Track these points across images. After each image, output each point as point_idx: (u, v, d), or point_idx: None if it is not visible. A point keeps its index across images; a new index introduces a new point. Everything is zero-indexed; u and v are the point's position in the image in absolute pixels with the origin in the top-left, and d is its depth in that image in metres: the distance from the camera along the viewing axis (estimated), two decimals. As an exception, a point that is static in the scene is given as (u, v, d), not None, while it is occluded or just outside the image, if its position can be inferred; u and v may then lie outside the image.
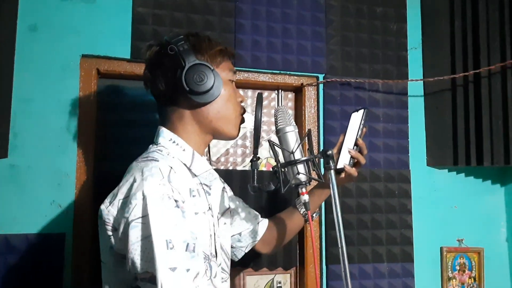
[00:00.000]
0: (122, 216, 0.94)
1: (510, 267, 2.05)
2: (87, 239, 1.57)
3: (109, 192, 1.02)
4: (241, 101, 1.19)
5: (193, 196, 1.04)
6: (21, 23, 1.59)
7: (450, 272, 1.98)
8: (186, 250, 0.93)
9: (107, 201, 0.99)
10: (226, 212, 1.23)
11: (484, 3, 1.93)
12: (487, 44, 1.91)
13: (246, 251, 1.39)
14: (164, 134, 1.10)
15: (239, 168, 1.88)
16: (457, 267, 1.99)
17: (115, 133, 1.71)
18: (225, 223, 1.22)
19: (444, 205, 2.02)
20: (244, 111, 1.20)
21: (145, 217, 0.91)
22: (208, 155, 1.25)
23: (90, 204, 1.59)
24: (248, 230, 1.37)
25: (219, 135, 1.15)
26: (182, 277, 0.90)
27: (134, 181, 0.95)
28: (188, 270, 0.92)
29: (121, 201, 0.96)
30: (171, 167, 1.00)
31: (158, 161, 1.00)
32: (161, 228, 0.91)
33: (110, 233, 0.97)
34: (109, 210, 0.97)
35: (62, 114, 1.60)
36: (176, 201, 0.95)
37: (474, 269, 2.00)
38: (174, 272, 0.89)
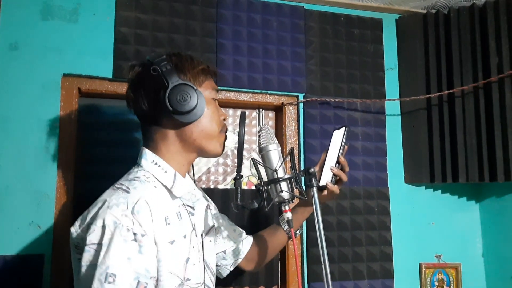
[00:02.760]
0: (85, 237, 0.94)
1: (487, 282, 2.09)
2: (67, 260, 1.52)
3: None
4: (224, 119, 1.20)
5: (169, 224, 1.03)
6: (2, 42, 1.59)
7: (429, 288, 2.01)
8: (136, 287, 0.92)
9: (77, 224, 0.99)
10: (211, 230, 1.24)
11: (456, 26, 2.01)
12: (459, 65, 1.98)
13: (231, 269, 1.39)
14: (147, 156, 1.10)
15: (220, 186, 1.89)
16: (436, 283, 2.02)
17: (95, 153, 1.70)
18: (210, 241, 1.22)
19: (422, 222, 2.05)
20: (227, 129, 1.21)
21: (98, 245, 0.92)
22: (192, 173, 1.25)
23: (70, 225, 1.52)
24: (233, 247, 1.37)
25: (203, 153, 1.16)
26: None
27: (100, 207, 0.96)
28: None
29: (86, 224, 0.96)
30: (140, 198, 0.99)
31: (129, 192, 1.00)
32: (108, 260, 0.90)
33: (79, 256, 0.96)
34: (78, 233, 0.98)
35: (42, 133, 1.59)
36: (135, 234, 0.94)
37: (452, 284, 2.04)
38: None
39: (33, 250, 1.53)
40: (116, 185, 1.04)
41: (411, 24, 2.11)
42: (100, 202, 0.98)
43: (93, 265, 0.91)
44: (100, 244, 0.91)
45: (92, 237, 0.92)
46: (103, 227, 0.92)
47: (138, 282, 0.92)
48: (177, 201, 1.09)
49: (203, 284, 1.12)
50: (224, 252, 1.36)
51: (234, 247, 1.37)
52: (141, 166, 1.10)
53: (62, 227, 1.55)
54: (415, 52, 2.08)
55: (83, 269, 0.92)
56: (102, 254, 0.90)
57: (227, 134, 1.23)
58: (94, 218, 0.94)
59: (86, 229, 0.95)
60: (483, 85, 1.94)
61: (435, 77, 2.03)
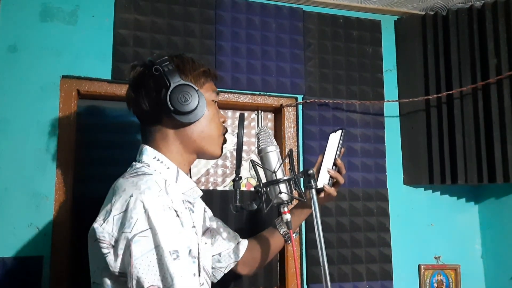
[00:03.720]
0: (121, 232, 0.92)
1: (486, 284, 2.09)
2: (66, 262, 1.55)
3: (88, 214, 1.02)
4: (223, 121, 1.21)
5: (186, 208, 1.06)
6: (1, 43, 1.59)
7: (428, 289, 2.01)
8: (189, 255, 0.96)
9: (100, 219, 0.97)
10: (206, 232, 1.24)
11: (454, 28, 2.01)
12: (458, 66, 1.99)
13: (225, 272, 1.38)
14: (148, 152, 1.10)
15: (219, 188, 1.89)
16: (435, 284, 2.02)
17: (95, 155, 1.70)
18: (206, 243, 1.22)
19: (421, 223, 2.06)
20: (226, 131, 1.22)
21: (149, 230, 0.92)
22: (189, 175, 1.25)
23: (69, 226, 1.57)
24: (228, 250, 1.36)
25: (202, 154, 1.16)
26: (192, 282, 0.95)
27: (131, 195, 0.95)
28: (194, 274, 0.97)
29: (117, 216, 0.94)
30: (166, 180, 1.03)
31: (152, 175, 1.02)
32: (168, 239, 0.92)
33: (106, 251, 0.94)
34: (103, 227, 0.95)
35: (41, 135, 1.59)
36: (176, 211, 0.97)
37: (451, 286, 2.04)
38: (185, 279, 0.92)
39: (32, 252, 1.52)
40: (129, 176, 1.03)
41: (410, 26, 2.11)
42: (124, 193, 0.97)
43: (154, 249, 0.91)
44: (151, 228, 0.92)
45: (139, 226, 0.92)
46: (145, 211, 0.92)
47: (190, 250, 0.97)
48: (180, 197, 1.09)
49: (202, 285, 1.12)
50: (220, 254, 1.36)
51: (229, 250, 1.37)
52: (143, 162, 1.09)
53: (61, 229, 1.55)
54: (414, 54, 2.08)
55: (139, 260, 0.90)
56: (158, 235, 0.91)
57: (226, 134, 1.23)
58: (127, 208, 0.93)
59: (122, 221, 0.93)
60: (481, 87, 1.94)
61: (434, 78, 2.03)
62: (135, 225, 0.92)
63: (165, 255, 0.91)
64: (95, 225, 0.97)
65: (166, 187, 1.01)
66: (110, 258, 0.94)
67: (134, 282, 0.91)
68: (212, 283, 1.31)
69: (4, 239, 1.50)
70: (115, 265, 0.94)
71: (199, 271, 1.05)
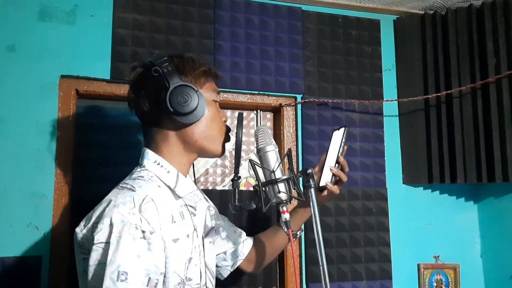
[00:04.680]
0: (91, 238, 0.94)
1: (485, 283, 2.09)
2: (65, 262, 1.54)
3: (87, 214, 1.02)
4: (225, 121, 1.21)
5: (174, 222, 1.04)
6: (-1, 43, 1.59)
7: (427, 288, 2.01)
8: (147, 285, 0.92)
9: (82, 224, 1.00)
10: (210, 231, 1.24)
11: (453, 27, 2.01)
12: (457, 66, 1.99)
13: (232, 270, 1.39)
14: (149, 156, 1.11)
15: (218, 188, 1.89)
16: (434, 284, 2.02)
17: (93, 155, 1.70)
18: (210, 242, 1.22)
19: (420, 222, 2.06)
20: (229, 130, 1.22)
21: (106, 243, 0.91)
22: (192, 173, 1.26)
23: (68, 227, 1.57)
24: (233, 249, 1.37)
25: (204, 153, 1.17)
26: None
27: (107, 205, 0.96)
28: None
29: (93, 224, 0.96)
30: (146, 196, 1.00)
31: (134, 190, 1.00)
32: (118, 258, 0.90)
33: (84, 256, 0.97)
34: (83, 233, 0.98)
35: (40, 135, 1.58)
36: (143, 232, 0.94)
37: (450, 285, 2.04)
38: None
39: (31, 252, 1.52)
40: (121, 185, 1.04)
41: (409, 25, 2.11)
42: (106, 202, 0.98)
43: (102, 264, 0.90)
44: (108, 243, 0.91)
45: (100, 236, 0.92)
46: (111, 225, 0.92)
47: (149, 279, 0.93)
48: (179, 201, 1.10)
49: (204, 286, 1.12)
50: (225, 253, 1.36)
51: (235, 248, 1.37)
52: (144, 166, 1.10)
53: (60, 229, 1.55)
54: (413, 53, 2.08)
55: (92, 268, 0.92)
56: (111, 252, 0.90)
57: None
58: (100, 217, 0.94)
59: (92, 228, 0.95)
60: (480, 86, 1.94)
61: (433, 78, 2.03)
62: (98, 234, 0.92)
63: (108, 273, 0.89)
64: (77, 229, 0.99)
65: (142, 204, 0.97)
66: (86, 264, 0.95)
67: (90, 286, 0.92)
68: (218, 280, 1.32)
69: (3, 239, 1.50)
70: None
71: (182, 284, 1.03)
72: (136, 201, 0.97)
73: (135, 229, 0.93)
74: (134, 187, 1.01)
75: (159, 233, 0.97)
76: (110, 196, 1.00)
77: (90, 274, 0.92)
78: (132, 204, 0.96)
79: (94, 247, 0.92)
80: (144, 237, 0.94)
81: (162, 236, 0.98)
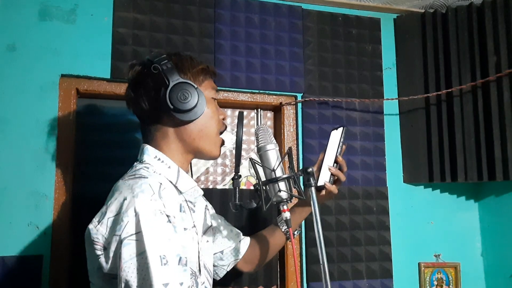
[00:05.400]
0: (112, 234, 0.93)
1: (486, 281, 2.09)
2: (65, 261, 1.55)
3: (88, 213, 1.01)
4: (223, 119, 1.20)
5: (183, 211, 1.04)
6: (0, 43, 1.58)
7: (428, 287, 2.01)
8: (178, 264, 0.94)
9: (95, 220, 0.98)
10: (208, 230, 1.24)
11: (454, 26, 2.01)
12: (458, 64, 1.99)
13: (228, 269, 1.39)
14: (149, 152, 1.10)
15: (219, 186, 1.89)
16: (435, 282, 2.02)
17: (94, 154, 1.70)
18: (207, 241, 1.22)
19: (421, 221, 2.06)
20: (225, 128, 1.21)
21: (138, 233, 0.91)
22: (190, 173, 1.26)
23: (69, 226, 1.57)
24: (230, 248, 1.37)
25: (201, 154, 1.16)
26: None
27: (125, 198, 0.95)
28: (181, 283, 0.92)
29: (110, 219, 0.95)
30: (161, 183, 1.01)
31: (147, 177, 1.01)
32: (156, 244, 0.91)
33: (99, 252, 0.95)
34: (98, 229, 0.96)
35: (41, 134, 1.58)
36: (168, 216, 0.95)
37: (451, 283, 2.04)
38: (169, 286, 0.89)
39: (32, 251, 1.52)
40: (127, 178, 1.03)
41: (409, 24, 2.11)
42: (120, 196, 0.97)
43: (141, 254, 0.90)
44: (140, 233, 0.91)
45: (129, 229, 0.92)
46: (136, 215, 0.92)
47: (180, 258, 0.94)
48: (180, 197, 1.09)
49: (203, 284, 1.12)
50: (222, 252, 1.36)
51: (232, 248, 1.37)
52: (144, 161, 1.09)
53: (60, 228, 1.55)
54: (413, 52, 2.08)
55: (129, 263, 0.90)
56: (146, 240, 0.90)
57: (226, 135, 1.23)
58: (120, 211, 0.94)
59: (114, 223, 0.94)
60: (481, 84, 1.94)
61: (433, 76, 2.03)
62: (125, 228, 0.92)
63: (150, 260, 0.89)
64: (90, 226, 0.97)
65: (160, 190, 0.99)
66: (102, 260, 0.95)
67: (123, 285, 0.91)
68: (214, 280, 1.31)
69: (4, 238, 1.50)
70: (107, 267, 0.95)
71: (194, 275, 1.04)
72: (154, 188, 0.98)
73: (161, 214, 0.94)
74: (146, 176, 1.02)
75: (178, 218, 0.99)
76: (122, 189, 0.99)
77: (129, 270, 0.90)
78: (151, 191, 0.97)
79: (126, 241, 0.91)
80: (169, 221, 0.95)
81: (179, 221, 1.00)
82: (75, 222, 1.58)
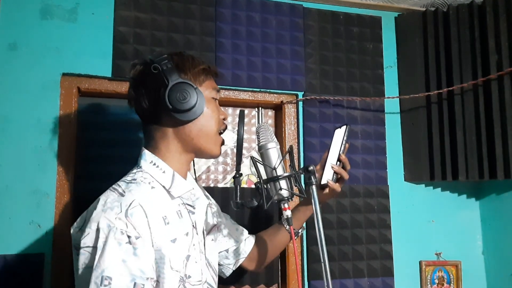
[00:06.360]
0: (78, 240, 0.96)
1: (487, 280, 2.09)
2: (67, 260, 1.55)
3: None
4: (224, 119, 1.20)
5: (168, 223, 1.03)
6: (1, 41, 1.59)
7: (429, 285, 2.01)
8: None
9: (75, 224, 1.02)
10: (212, 229, 1.24)
11: (455, 24, 2.01)
12: (459, 63, 1.98)
13: (234, 268, 1.39)
14: (146, 157, 1.11)
15: (220, 185, 1.89)
16: (436, 281, 2.02)
17: (95, 152, 1.70)
18: (212, 240, 1.22)
19: (422, 220, 2.05)
20: (226, 128, 1.22)
21: (93, 248, 0.93)
22: (193, 172, 1.26)
23: (70, 224, 1.53)
24: (235, 246, 1.37)
25: (201, 153, 1.16)
26: None
27: (95, 209, 0.97)
28: None
29: (82, 227, 0.99)
30: (133, 200, 0.98)
31: (124, 196, 1.00)
32: (103, 263, 0.91)
33: (77, 256, 0.98)
34: (77, 233, 1.00)
35: (42, 133, 1.59)
36: (129, 236, 0.94)
37: (452, 282, 2.04)
38: None
39: (33, 250, 1.53)
40: (114, 186, 1.05)
41: (410, 22, 2.11)
42: (97, 203, 0.99)
43: (88, 268, 0.92)
44: (95, 248, 0.92)
45: (87, 240, 0.94)
46: (97, 230, 0.93)
47: (135, 284, 0.93)
48: (176, 200, 1.10)
49: (205, 282, 1.12)
50: (227, 251, 1.36)
51: (237, 246, 1.37)
52: (140, 167, 1.10)
53: (62, 227, 1.56)
54: (414, 50, 2.08)
55: (80, 271, 0.94)
56: (97, 257, 0.91)
57: (227, 133, 1.23)
58: (88, 221, 0.96)
59: (81, 232, 0.96)
60: (482, 83, 1.93)
61: (435, 74, 2.03)
62: (85, 238, 0.94)
63: (93, 279, 0.90)
64: (72, 231, 1.02)
65: (129, 209, 0.96)
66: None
67: None
68: (221, 278, 1.32)
69: (5, 237, 1.51)
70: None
71: (182, 281, 1.03)
72: (123, 206, 0.97)
73: (121, 234, 0.93)
74: (124, 192, 1.01)
75: (147, 238, 0.97)
76: (101, 198, 1.00)
77: (78, 277, 0.95)
78: (119, 209, 0.96)
79: (82, 250, 0.94)
80: (129, 242, 0.94)
81: (154, 240, 0.98)
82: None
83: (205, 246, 1.16)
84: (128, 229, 0.94)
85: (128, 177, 1.08)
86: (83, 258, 0.94)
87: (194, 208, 1.14)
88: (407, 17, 2.12)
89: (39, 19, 1.64)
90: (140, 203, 0.99)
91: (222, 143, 1.20)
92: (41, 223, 1.55)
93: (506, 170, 1.86)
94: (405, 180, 2.06)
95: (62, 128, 1.61)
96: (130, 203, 0.98)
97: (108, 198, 0.99)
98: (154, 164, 1.10)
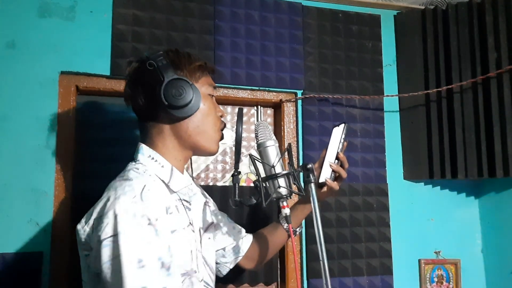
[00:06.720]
0: (95, 235, 0.94)
1: (486, 278, 2.09)
2: (65, 258, 1.55)
3: (87, 210, 1.02)
4: (221, 116, 1.20)
5: (170, 213, 1.03)
6: (-1, 40, 1.58)
7: (428, 284, 2.01)
8: (161, 268, 0.93)
9: (83, 220, 1.00)
10: (210, 227, 1.23)
11: (454, 22, 2.01)
12: (458, 61, 1.98)
13: (231, 267, 1.39)
14: (143, 151, 1.11)
15: (219, 183, 1.89)
16: (435, 279, 2.02)
17: (94, 151, 1.70)
18: (209, 238, 1.22)
19: (421, 218, 2.05)
20: (224, 126, 1.21)
21: (115, 236, 0.91)
22: (190, 170, 1.25)
23: (68, 222, 1.57)
24: (232, 245, 1.37)
25: (198, 150, 1.16)
26: None
27: (108, 200, 0.96)
28: None
29: (95, 220, 0.96)
30: (145, 185, 1.00)
31: (132, 180, 1.00)
32: (131, 247, 0.90)
33: (86, 253, 0.97)
34: (84, 229, 0.98)
35: (40, 131, 1.58)
36: (149, 219, 0.94)
37: (451, 280, 2.04)
38: None
39: (32, 248, 1.52)
40: (118, 179, 1.04)
41: (410, 20, 2.11)
42: (105, 197, 0.98)
43: (116, 257, 0.90)
44: (116, 235, 0.91)
45: (108, 230, 0.92)
46: (115, 217, 0.92)
47: (162, 262, 0.94)
48: (174, 196, 1.09)
49: (202, 280, 1.12)
50: (224, 249, 1.36)
51: (234, 245, 1.37)
52: (138, 161, 1.10)
53: (60, 225, 1.56)
54: (414, 48, 2.08)
55: (108, 264, 0.91)
56: (122, 242, 0.90)
57: (225, 131, 1.23)
58: (102, 212, 0.94)
59: (97, 224, 0.94)
60: (481, 81, 1.94)
61: (434, 73, 2.03)
62: (105, 229, 0.92)
63: (125, 263, 0.89)
64: (78, 226, 0.99)
65: (143, 193, 0.97)
66: (89, 260, 0.96)
67: (104, 285, 0.92)
68: (218, 277, 1.32)
69: (4, 235, 1.50)
70: (93, 267, 0.95)
71: (187, 275, 1.04)
72: (137, 189, 0.97)
73: (141, 217, 0.93)
74: (131, 177, 1.02)
75: (163, 219, 0.98)
76: (108, 191, 1.00)
77: (107, 271, 0.91)
78: (133, 193, 0.96)
79: (105, 242, 0.91)
80: (150, 223, 0.94)
81: (163, 223, 0.99)
82: (75, 219, 1.55)
83: (201, 244, 1.16)
84: (146, 211, 0.95)
85: (128, 169, 1.07)
86: (107, 250, 0.91)
87: (190, 204, 1.14)
88: (406, 15, 2.12)
89: (37, 17, 1.64)
90: (149, 188, 1.00)
91: (221, 139, 1.20)
92: (40, 221, 1.54)
93: (505, 168, 1.86)
94: (404, 178, 2.06)
95: (61, 126, 1.61)
96: (143, 188, 0.99)
97: (117, 187, 0.98)
98: (153, 158, 1.10)
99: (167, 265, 0.94)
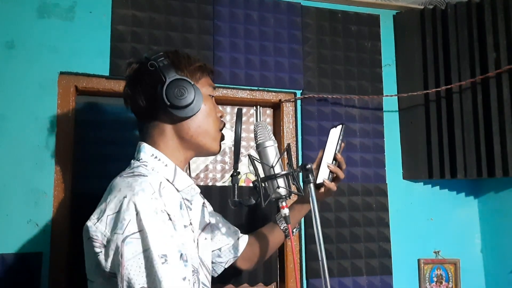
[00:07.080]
0: (113, 232, 0.93)
1: (486, 278, 2.09)
2: (65, 258, 1.55)
3: (87, 210, 1.01)
4: (221, 116, 1.20)
5: (182, 209, 1.06)
6: (-2, 40, 1.58)
7: (428, 284, 2.01)
8: (180, 259, 0.95)
9: (94, 217, 0.97)
10: (206, 227, 1.24)
11: (453, 22, 2.01)
12: (457, 61, 1.98)
13: (226, 266, 1.39)
14: (146, 150, 1.10)
15: (218, 184, 1.89)
16: (435, 279, 2.02)
17: (93, 151, 1.70)
18: (205, 238, 1.22)
19: (421, 218, 2.05)
20: (224, 126, 1.21)
21: (141, 232, 0.92)
22: (188, 171, 1.26)
23: (68, 223, 1.57)
24: (228, 245, 1.37)
25: (200, 150, 1.16)
26: (181, 286, 0.93)
27: (125, 196, 0.95)
28: (184, 278, 0.94)
29: (110, 217, 0.95)
30: (161, 182, 1.02)
31: (146, 176, 1.01)
32: (158, 242, 0.92)
33: (98, 250, 0.95)
34: (97, 226, 0.95)
35: (40, 131, 1.58)
36: (168, 214, 0.97)
37: (451, 280, 2.04)
38: (173, 284, 0.91)
39: (31, 248, 1.52)
40: (126, 175, 1.03)
41: (409, 20, 2.11)
42: (119, 193, 0.96)
43: (144, 251, 0.91)
44: (141, 231, 0.91)
45: (131, 227, 0.92)
46: (138, 213, 0.92)
47: (181, 254, 0.96)
48: (178, 194, 1.10)
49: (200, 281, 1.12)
50: (220, 250, 1.36)
51: (230, 245, 1.37)
52: (141, 159, 1.09)
53: (60, 225, 1.55)
54: (413, 48, 2.08)
55: (132, 261, 0.91)
56: (148, 238, 0.91)
57: (225, 131, 1.23)
58: (120, 210, 0.93)
59: (115, 221, 0.93)
60: (480, 81, 1.94)
61: (433, 73, 2.03)
62: (127, 226, 0.92)
63: (154, 258, 0.90)
64: (89, 223, 0.97)
65: (161, 189, 0.99)
66: (101, 258, 0.95)
67: (125, 283, 0.91)
68: (212, 277, 1.31)
69: (3, 236, 1.50)
70: (106, 264, 0.94)
71: (196, 272, 1.05)
72: (155, 186, 0.99)
73: (162, 213, 0.96)
74: (145, 174, 1.02)
75: (177, 216, 1.01)
76: (121, 187, 0.98)
77: (131, 268, 0.91)
78: (151, 189, 0.97)
79: (128, 239, 0.91)
80: (170, 219, 0.97)
81: (178, 219, 1.02)
82: (75, 219, 1.59)
83: (198, 244, 1.16)
84: (166, 207, 0.97)
85: (135, 168, 1.06)
86: (132, 246, 0.91)
87: (191, 204, 1.14)
88: (405, 15, 2.12)
89: (37, 17, 1.64)
90: (165, 186, 1.03)
91: (222, 139, 1.20)
92: (39, 222, 1.54)
93: (504, 168, 1.86)
94: (403, 178, 2.06)
95: (60, 126, 1.60)
96: (160, 183, 1.01)
97: (132, 183, 0.97)
98: (156, 157, 1.09)
99: (185, 257, 0.97)
